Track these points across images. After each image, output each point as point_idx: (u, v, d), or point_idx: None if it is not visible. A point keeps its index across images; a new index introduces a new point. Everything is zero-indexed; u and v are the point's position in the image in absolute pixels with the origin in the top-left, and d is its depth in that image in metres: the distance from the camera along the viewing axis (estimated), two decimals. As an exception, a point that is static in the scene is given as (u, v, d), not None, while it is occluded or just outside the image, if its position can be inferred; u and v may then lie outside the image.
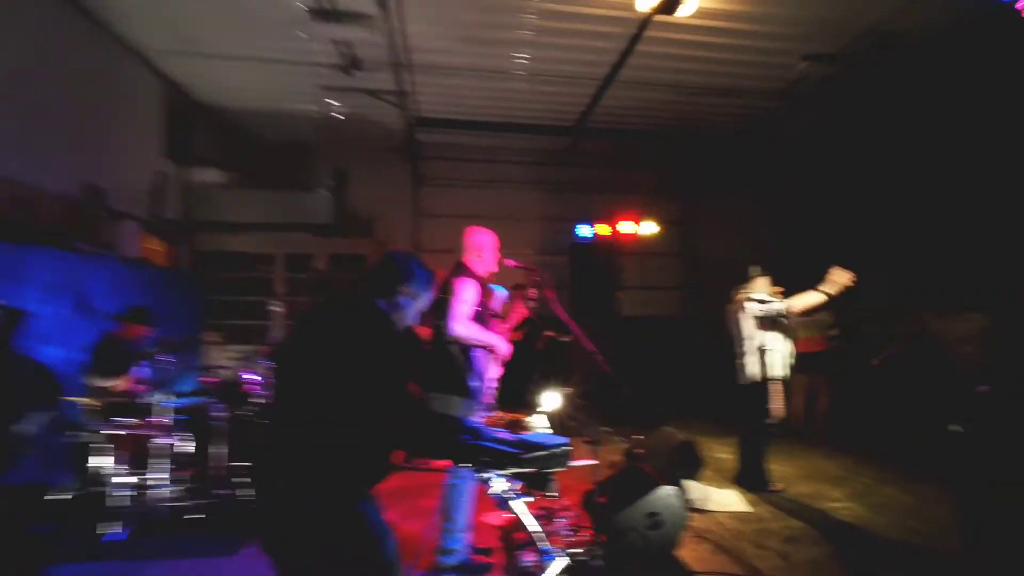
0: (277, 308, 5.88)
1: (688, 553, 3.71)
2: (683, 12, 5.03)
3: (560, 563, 2.68)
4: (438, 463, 4.08)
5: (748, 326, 4.78)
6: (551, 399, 4.30)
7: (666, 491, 3.69)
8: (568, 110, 7.71)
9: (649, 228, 7.69)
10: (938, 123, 6.55)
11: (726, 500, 4.56)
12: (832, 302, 4.57)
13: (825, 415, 6.77)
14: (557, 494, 2.29)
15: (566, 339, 6.88)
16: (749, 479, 4.87)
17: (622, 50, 6.10)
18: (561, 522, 3.81)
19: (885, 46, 5.55)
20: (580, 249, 8.16)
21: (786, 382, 4.90)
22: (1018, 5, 3.05)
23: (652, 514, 3.63)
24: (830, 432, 6.68)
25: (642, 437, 5.34)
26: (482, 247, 3.41)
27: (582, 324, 3.50)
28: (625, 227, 7.53)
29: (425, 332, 3.22)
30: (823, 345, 6.70)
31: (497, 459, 2.14)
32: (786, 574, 3.44)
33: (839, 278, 4.41)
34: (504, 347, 3.30)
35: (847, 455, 5.90)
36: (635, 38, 5.82)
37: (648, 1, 4.95)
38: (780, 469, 5.20)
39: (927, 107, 6.65)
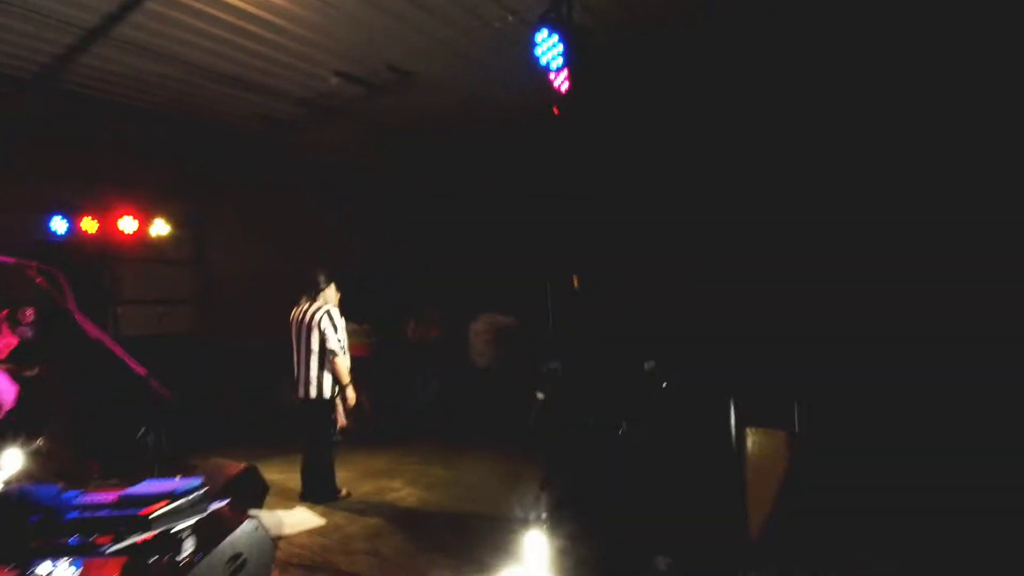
0: None
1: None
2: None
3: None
4: None
5: (316, 339, 4.55)
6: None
7: (244, 527, 3.08)
8: (23, 55, 5.54)
9: (161, 229, 6.27)
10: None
11: (299, 519, 4.22)
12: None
13: (371, 414, 7.15)
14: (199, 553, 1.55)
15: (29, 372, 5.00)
16: (315, 493, 4.63)
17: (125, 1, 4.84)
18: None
19: (406, 82, 6.34)
20: (51, 250, 5.89)
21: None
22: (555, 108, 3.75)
23: (234, 557, 2.95)
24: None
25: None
26: None
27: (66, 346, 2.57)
28: (126, 225, 5.89)
29: None
30: (366, 351, 7.08)
31: (106, 530, 1.29)
32: (383, 569, 3.42)
33: (351, 396, 4.68)
34: None
35: (389, 449, 6.38)
36: (150, -9, 4.72)
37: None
38: (338, 475, 5.14)
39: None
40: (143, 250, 6.68)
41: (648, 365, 2.43)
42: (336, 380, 4.59)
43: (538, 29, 3.68)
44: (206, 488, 1.58)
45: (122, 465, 5.37)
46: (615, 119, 6.68)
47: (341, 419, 4.67)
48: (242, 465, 4.28)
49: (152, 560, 1.37)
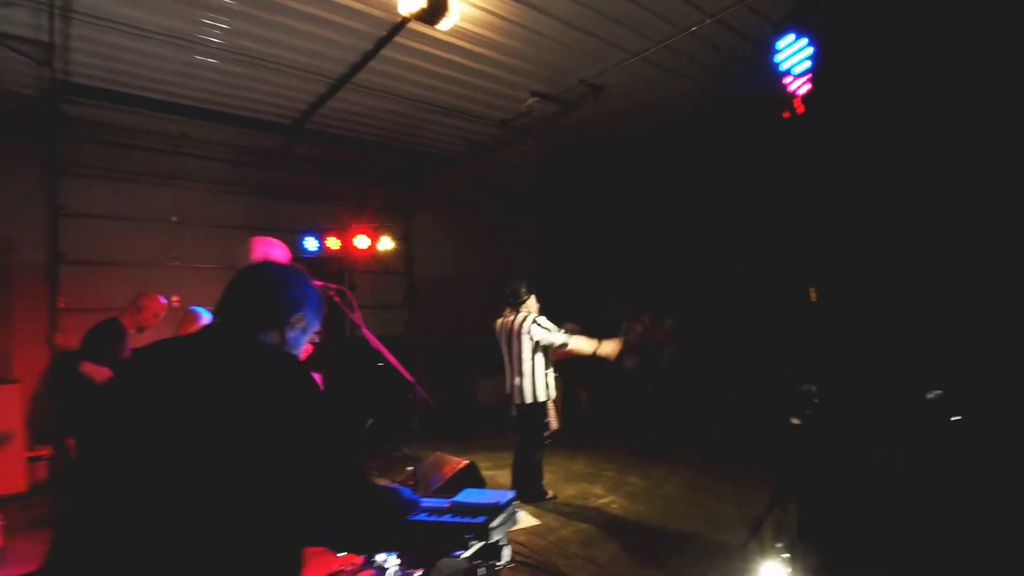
0: None
1: (513, 583, 3.50)
2: (443, 25, 4.89)
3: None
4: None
5: (527, 347, 4.88)
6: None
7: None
8: (288, 105, 6.69)
9: (386, 244, 7.24)
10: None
11: (517, 518, 4.51)
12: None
13: (584, 407, 7.53)
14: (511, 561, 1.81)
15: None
16: (525, 493, 4.95)
17: (366, 51, 5.61)
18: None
19: (597, 96, 6.50)
20: (305, 265, 7.12)
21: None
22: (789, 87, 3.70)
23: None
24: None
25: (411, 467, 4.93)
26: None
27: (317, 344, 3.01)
28: (360, 242, 6.90)
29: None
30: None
31: (455, 537, 1.57)
32: (603, 577, 3.56)
33: (613, 348, 4.88)
34: None
35: (584, 453, 6.61)
36: (383, 41, 5.43)
37: (411, 5, 4.65)
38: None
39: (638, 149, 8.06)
40: (372, 263, 7.75)
41: (933, 394, 2.22)
42: (547, 384, 4.86)
43: (783, 33, 3.57)
44: (516, 499, 1.81)
45: (356, 451, 6.30)
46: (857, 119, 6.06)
47: (554, 423, 4.94)
48: (464, 461, 4.74)
49: (481, 569, 1.64)
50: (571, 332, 7.58)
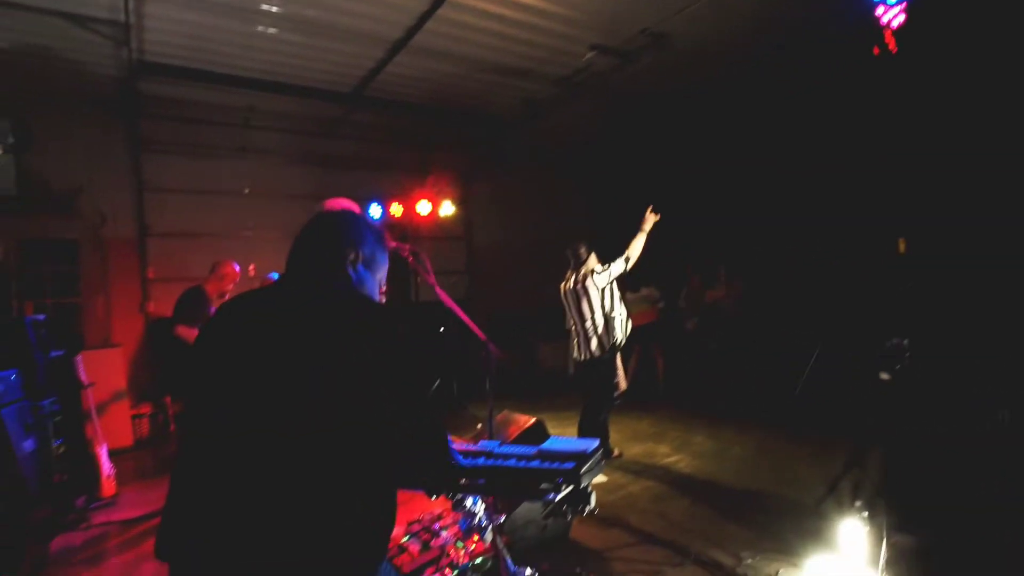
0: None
1: (582, 534, 3.60)
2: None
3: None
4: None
5: (595, 299, 4.86)
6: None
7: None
8: (346, 72, 6.75)
9: (447, 210, 7.31)
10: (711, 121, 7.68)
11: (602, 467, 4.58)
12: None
13: (662, 378, 7.54)
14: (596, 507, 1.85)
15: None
16: (592, 449, 4.99)
17: (422, 12, 5.56)
18: (446, 533, 3.36)
19: (660, 46, 6.22)
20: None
21: (622, 353, 5.15)
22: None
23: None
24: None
25: (480, 424, 5.09)
26: None
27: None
28: (422, 208, 7.00)
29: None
30: (654, 316, 7.41)
31: (552, 480, 1.61)
32: (675, 532, 3.57)
33: (650, 217, 4.77)
34: None
35: (650, 413, 6.61)
36: (439, 1, 5.36)
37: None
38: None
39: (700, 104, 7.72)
40: (434, 229, 7.87)
41: None
42: (611, 336, 4.82)
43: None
44: (601, 449, 1.83)
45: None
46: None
47: (622, 382, 4.94)
48: (532, 419, 4.82)
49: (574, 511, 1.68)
50: (649, 298, 7.57)
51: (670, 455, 5.10)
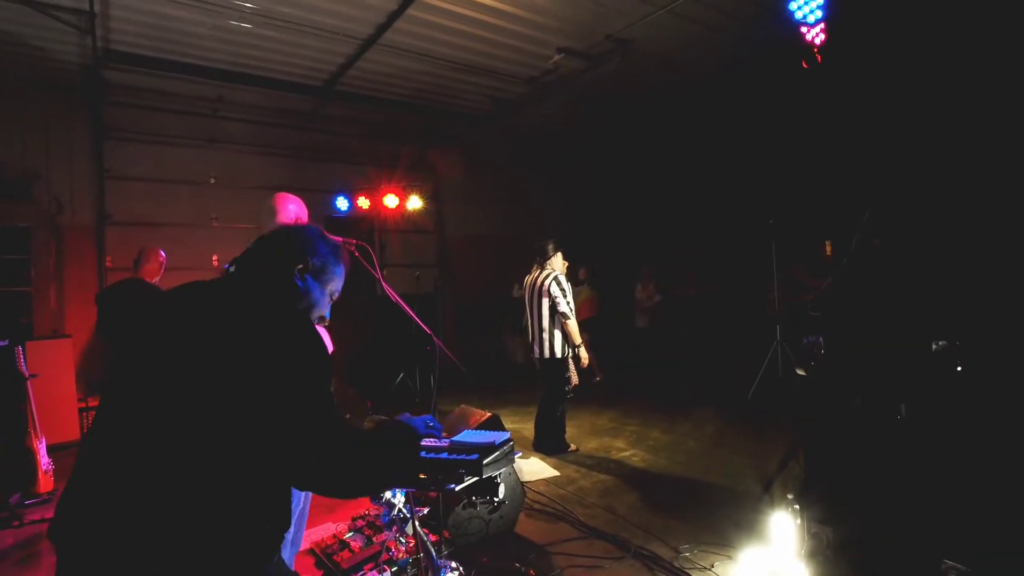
0: None
1: (528, 528, 3.66)
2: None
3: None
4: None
5: (547, 305, 4.94)
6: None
7: (505, 472, 3.56)
8: (317, 67, 6.75)
9: (415, 203, 7.33)
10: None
11: (536, 468, 4.67)
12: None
13: (597, 372, 7.73)
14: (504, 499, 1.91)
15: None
16: (547, 445, 5.08)
17: (391, 11, 5.58)
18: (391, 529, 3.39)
19: (625, 51, 6.32)
20: (336, 224, 7.32)
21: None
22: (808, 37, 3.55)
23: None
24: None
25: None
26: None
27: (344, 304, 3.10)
28: (390, 201, 7.01)
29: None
30: (593, 312, 7.56)
31: (450, 473, 1.66)
32: (620, 526, 3.65)
33: (584, 360, 5.03)
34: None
35: (610, 408, 6.72)
36: (408, 0, 5.38)
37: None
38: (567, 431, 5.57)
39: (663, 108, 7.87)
40: (402, 222, 7.88)
41: (937, 345, 2.16)
42: (568, 341, 4.93)
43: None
44: (512, 441, 1.89)
45: (387, 403, 6.59)
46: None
47: (574, 377, 5.02)
48: (487, 414, 4.87)
49: (479, 501, 1.73)
50: (586, 294, 7.72)
51: (625, 450, 5.19)
